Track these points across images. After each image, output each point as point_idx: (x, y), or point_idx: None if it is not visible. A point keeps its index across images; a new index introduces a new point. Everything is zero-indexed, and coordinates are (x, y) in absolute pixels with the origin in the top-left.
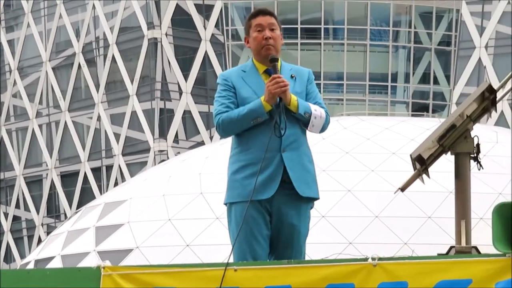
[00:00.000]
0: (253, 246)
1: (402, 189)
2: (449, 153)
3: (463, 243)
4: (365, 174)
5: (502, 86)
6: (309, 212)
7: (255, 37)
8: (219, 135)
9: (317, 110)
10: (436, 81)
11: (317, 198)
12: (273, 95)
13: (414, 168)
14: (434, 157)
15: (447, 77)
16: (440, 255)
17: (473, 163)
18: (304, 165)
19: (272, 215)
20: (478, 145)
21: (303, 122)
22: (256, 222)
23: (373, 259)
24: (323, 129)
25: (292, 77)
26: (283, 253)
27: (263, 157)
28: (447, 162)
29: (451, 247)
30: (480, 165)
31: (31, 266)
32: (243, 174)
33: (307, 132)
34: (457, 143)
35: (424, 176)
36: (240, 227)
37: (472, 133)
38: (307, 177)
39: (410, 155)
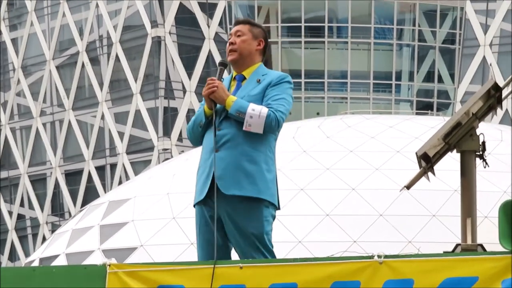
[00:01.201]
0: (204, 247)
1: (408, 187)
2: (454, 151)
3: (469, 241)
4: (369, 172)
5: (508, 84)
6: (262, 211)
7: None
8: None
9: (255, 110)
10: (440, 80)
11: (250, 197)
12: (204, 97)
13: (420, 166)
14: (440, 155)
15: (452, 75)
16: (446, 253)
17: (478, 161)
18: (237, 164)
19: (220, 214)
20: (483, 143)
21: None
22: (206, 223)
23: (379, 256)
24: (269, 129)
25: (258, 81)
26: (239, 252)
27: (206, 158)
28: (452, 160)
29: (457, 245)
30: (486, 163)
31: (35, 264)
32: (197, 177)
33: (263, 133)
34: (462, 141)
35: (429, 174)
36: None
37: (477, 131)
38: (237, 175)
39: (416, 153)
